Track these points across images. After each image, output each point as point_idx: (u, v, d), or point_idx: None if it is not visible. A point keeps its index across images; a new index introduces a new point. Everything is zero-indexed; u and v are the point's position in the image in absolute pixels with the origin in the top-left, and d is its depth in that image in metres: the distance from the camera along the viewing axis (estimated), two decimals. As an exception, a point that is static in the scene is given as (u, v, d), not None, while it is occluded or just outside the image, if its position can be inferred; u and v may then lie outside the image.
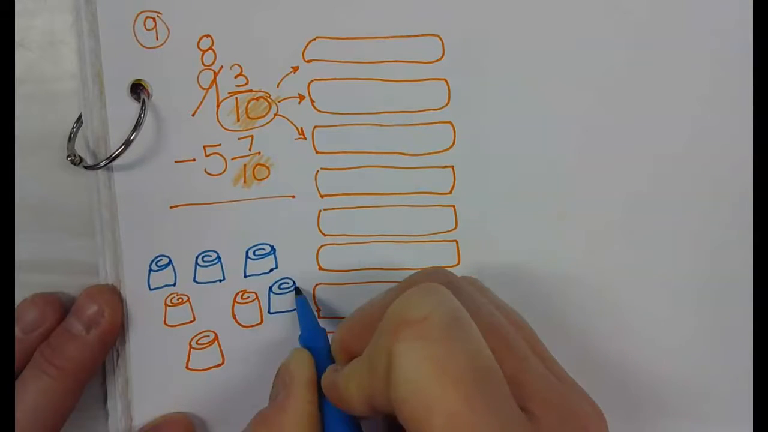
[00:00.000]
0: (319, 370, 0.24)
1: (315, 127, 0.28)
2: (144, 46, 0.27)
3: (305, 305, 0.28)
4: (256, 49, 0.27)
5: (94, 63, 0.27)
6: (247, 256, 0.28)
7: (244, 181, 0.28)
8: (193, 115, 0.27)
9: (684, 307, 0.28)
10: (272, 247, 0.28)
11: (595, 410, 0.21)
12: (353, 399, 0.21)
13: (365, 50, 0.27)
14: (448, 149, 0.28)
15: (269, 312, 0.29)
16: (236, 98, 0.28)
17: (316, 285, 0.29)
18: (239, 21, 0.27)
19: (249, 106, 0.28)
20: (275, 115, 0.28)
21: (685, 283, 0.28)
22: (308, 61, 0.27)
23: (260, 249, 0.28)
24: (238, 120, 0.28)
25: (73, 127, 0.28)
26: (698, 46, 0.27)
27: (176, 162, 0.28)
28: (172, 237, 0.28)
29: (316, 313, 0.28)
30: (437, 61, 0.27)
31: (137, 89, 0.27)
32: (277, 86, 0.28)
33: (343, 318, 0.29)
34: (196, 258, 0.28)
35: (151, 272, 0.28)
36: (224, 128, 0.28)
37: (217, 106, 0.27)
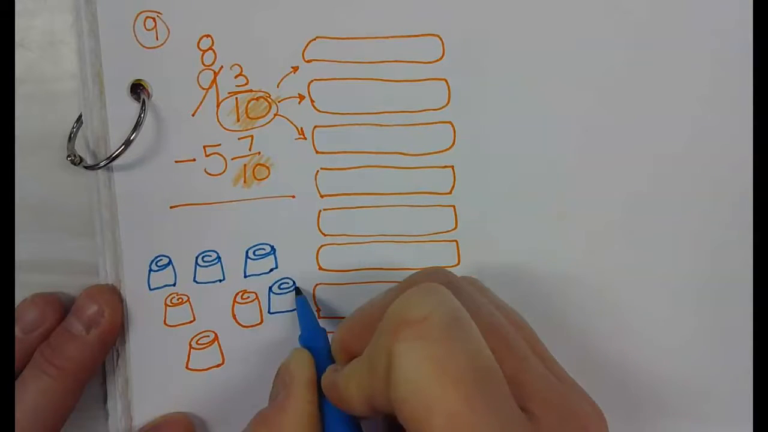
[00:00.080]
0: (319, 370, 0.24)
1: (315, 127, 0.28)
2: (144, 46, 0.27)
3: (305, 305, 0.28)
4: (256, 49, 0.27)
5: (94, 63, 0.27)
6: (247, 256, 0.28)
7: (244, 181, 0.28)
8: (193, 115, 0.27)
9: (684, 307, 0.28)
10: (272, 247, 0.28)
11: (595, 410, 0.21)
12: (353, 399, 0.21)
13: (365, 50, 0.27)
14: (448, 149, 0.28)
15: (269, 312, 0.29)
16: (236, 98, 0.28)
17: (316, 285, 0.29)
18: (239, 21, 0.27)
19: (249, 106, 0.28)
20: (275, 115, 0.28)
21: (685, 283, 0.28)
22: (308, 61, 0.27)
23: (260, 249, 0.28)
24: (238, 120, 0.28)
25: (73, 127, 0.28)
26: (698, 46, 0.27)
27: (176, 162, 0.28)
28: (172, 237, 0.28)
29: (316, 313, 0.28)
30: (437, 61, 0.27)
31: (137, 89, 0.27)
32: (277, 86, 0.28)
33: (343, 318, 0.29)
34: (196, 258, 0.28)
35: (151, 272, 0.28)
36: (224, 128, 0.28)
37: (217, 106, 0.27)
